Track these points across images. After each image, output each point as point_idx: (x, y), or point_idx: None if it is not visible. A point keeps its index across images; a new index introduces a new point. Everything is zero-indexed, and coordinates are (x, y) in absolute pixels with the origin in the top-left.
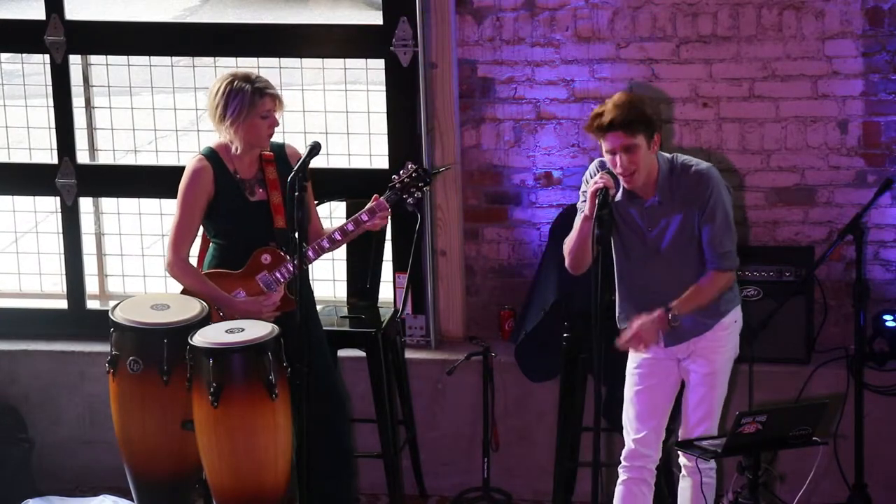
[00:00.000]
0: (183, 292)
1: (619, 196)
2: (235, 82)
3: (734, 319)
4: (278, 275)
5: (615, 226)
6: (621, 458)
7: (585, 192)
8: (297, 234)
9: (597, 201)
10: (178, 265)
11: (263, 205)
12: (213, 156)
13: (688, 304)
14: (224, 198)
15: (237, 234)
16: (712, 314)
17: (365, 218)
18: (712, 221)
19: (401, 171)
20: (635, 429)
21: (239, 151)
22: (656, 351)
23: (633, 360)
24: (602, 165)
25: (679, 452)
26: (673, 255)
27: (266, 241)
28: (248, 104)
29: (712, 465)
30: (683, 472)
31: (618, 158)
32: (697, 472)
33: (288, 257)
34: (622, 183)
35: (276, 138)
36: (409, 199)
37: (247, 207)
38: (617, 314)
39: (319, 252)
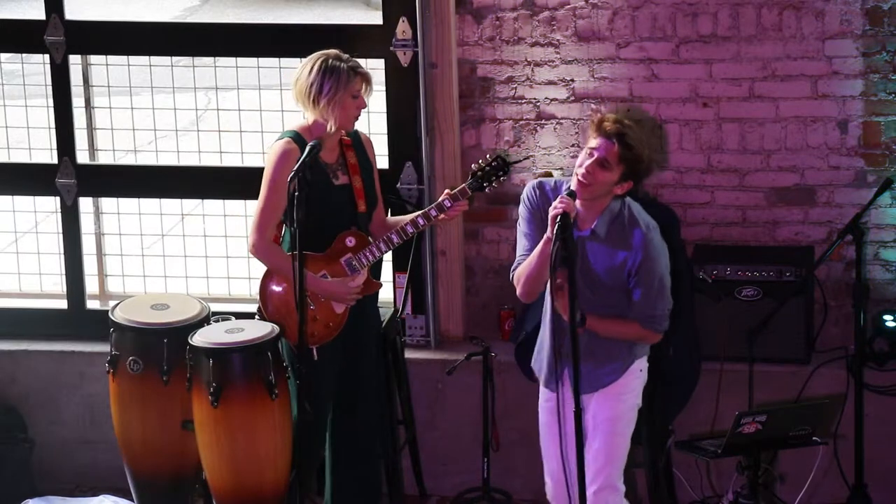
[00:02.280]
0: (266, 273)
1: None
2: (330, 60)
3: (640, 368)
4: (362, 257)
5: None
6: (546, 494)
7: (524, 214)
8: (297, 234)
9: (557, 226)
10: (262, 246)
11: (347, 189)
12: (299, 139)
13: (600, 325)
14: (310, 180)
15: (320, 218)
16: (617, 368)
17: (448, 203)
18: (646, 285)
19: (480, 161)
20: (548, 467)
21: (333, 131)
22: (562, 392)
23: (542, 395)
24: (540, 186)
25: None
26: (591, 291)
27: (349, 224)
28: (343, 82)
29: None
30: None
31: (588, 162)
32: None
33: (371, 240)
34: (571, 185)
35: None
36: (488, 188)
37: (332, 191)
38: (534, 356)
39: (403, 236)
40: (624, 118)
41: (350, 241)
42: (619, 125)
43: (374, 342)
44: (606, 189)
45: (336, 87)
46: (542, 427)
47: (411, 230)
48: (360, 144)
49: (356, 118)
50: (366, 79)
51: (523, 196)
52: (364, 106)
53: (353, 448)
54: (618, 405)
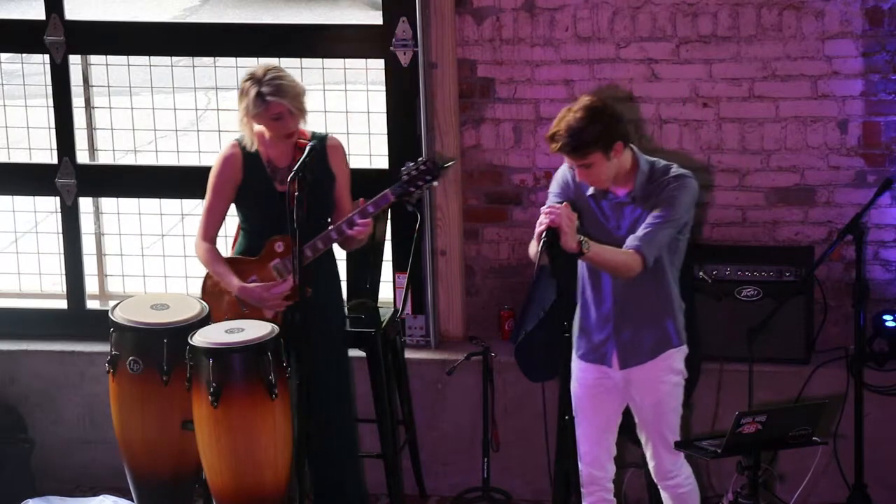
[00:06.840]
0: (207, 274)
1: (591, 190)
2: (247, 83)
3: (680, 348)
4: (288, 262)
5: (581, 222)
6: (581, 485)
7: (554, 190)
8: (296, 234)
9: (543, 241)
10: (200, 247)
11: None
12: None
13: (602, 252)
14: (252, 185)
15: (262, 222)
16: (660, 342)
17: (371, 209)
18: (661, 210)
19: (409, 164)
20: (585, 451)
21: (252, 148)
22: (598, 372)
23: (575, 380)
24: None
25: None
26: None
27: (285, 229)
28: (252, 107)
29: (687, 474)
30: (660, 486)
31: (577, 172)
32: (672, 487)
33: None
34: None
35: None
36: (416, 193)
37: (273, 196)
38: (575, 329)
39: (327, 242)
40: (557, 127)
41: (279, 247)
42: (558, 138)
43: (330, 343)
44: (612, 169)
45: (247, 111)
46: (584, 402)
47: (335, 236)
48: (322, 150)
49: (286, 135)
50: (281, 105)
51: (557, 175)
52: (288, 127)
53: (316, 450)
54: (658, 390)
